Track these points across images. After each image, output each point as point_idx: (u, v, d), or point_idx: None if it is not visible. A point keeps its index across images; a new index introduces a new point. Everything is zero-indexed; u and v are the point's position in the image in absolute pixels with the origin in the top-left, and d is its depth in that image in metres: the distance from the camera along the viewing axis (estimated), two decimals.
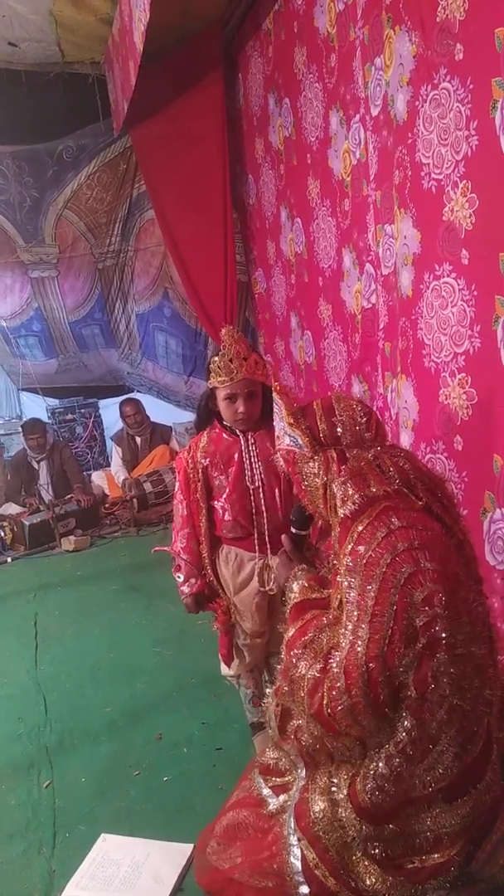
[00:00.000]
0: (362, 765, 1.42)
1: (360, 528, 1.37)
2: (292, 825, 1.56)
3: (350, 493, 1.41)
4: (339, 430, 1.51)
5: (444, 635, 1.28)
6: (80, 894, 1.94)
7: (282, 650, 1.57)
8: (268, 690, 1.64)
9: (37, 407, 5.93)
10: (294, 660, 1.47)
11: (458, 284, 2.12)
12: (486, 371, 2.03)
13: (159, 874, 1.98)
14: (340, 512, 1.42)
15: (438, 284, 2.23)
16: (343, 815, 1.44)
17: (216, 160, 4.48)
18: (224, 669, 2.46)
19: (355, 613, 1.33)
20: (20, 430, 5.51)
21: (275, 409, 1.63)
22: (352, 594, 1.35)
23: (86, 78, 5.07)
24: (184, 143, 4.57)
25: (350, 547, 1.38)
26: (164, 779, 2.40)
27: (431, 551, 1.33)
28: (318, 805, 1.50)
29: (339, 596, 1.44)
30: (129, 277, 5.78)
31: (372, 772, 1.39)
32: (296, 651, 1.47)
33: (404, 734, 1.34)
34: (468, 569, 1.45)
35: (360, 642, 1.31)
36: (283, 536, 1.77)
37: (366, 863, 1.46)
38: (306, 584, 1.63)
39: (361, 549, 1.35)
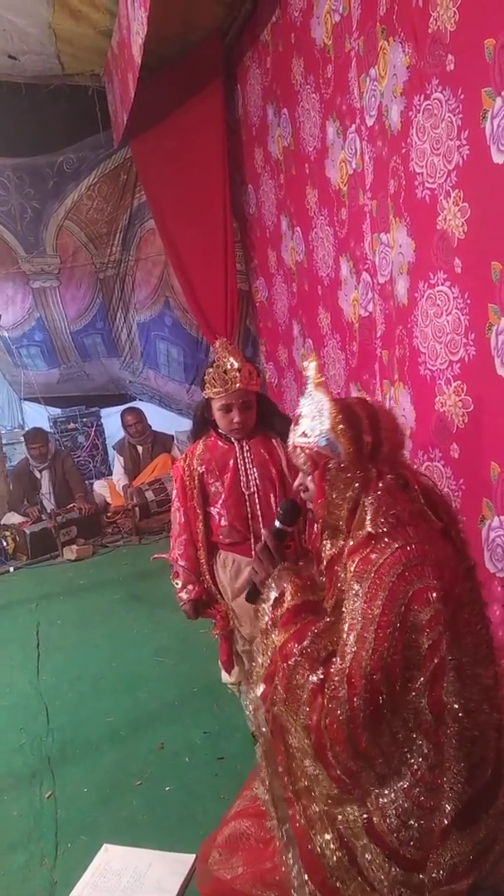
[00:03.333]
0: (371, 801, 1.37)
1: (379, 541, 1.35)
2: (305, 877, 1.48)
3: (381, 510, 1.37)
4: (384, 446, 1.43)
5: (451, 655, 1.27)
6: None
7: (262, 652, 1.52)
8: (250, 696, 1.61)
9: (39, 416, 5.96)
10: (292, 666, 1.43)
11: (452, 293, 2.13)
12: (480, 379, 2.04)
13: (161, 884, 1.98)
14: (368, 528, 1.37)
15: (433, 293, 2.24)
16: (368, 857, 1.38)
17: (216, 170, 4.51)
18: (225, 677, 2.47)
19: (360, 622, 1.31)
20: (22, 439, 5.53)
21: (306, 402, 1.52)
22: (357, 602, 1.33)
23: (85, 90, 5.11)
24: (183, 154, 4.60)
25: (363, 554, 1.36)
26: (166, 788, 2.40)
27: (442, 571, 1.32)
28: (334, 854, 1.44)
29: (333, 600, 1.43)
30: (130, 287, 5.81)
31: (394, 808, 1.34)
32: (294, 658, 1.43)
33: (420, 759, 1.31)
34: (473, 594, 1.43)
35: (364, 652, 1.29)
36: (264, 531, 1.69)
37: None
38: (300, 583, 1.55)
39: (374, 556, 1.34)
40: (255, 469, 2.24)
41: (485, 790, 1.39)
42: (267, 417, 2.29)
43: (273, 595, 1.56)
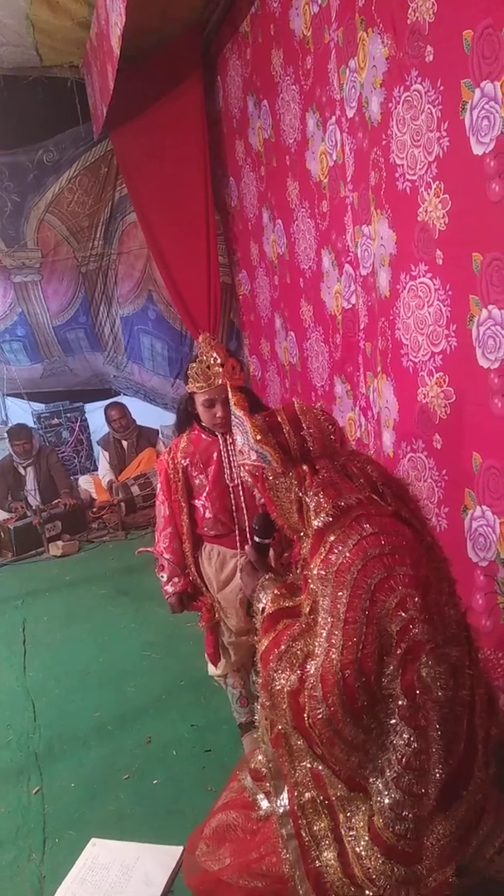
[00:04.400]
0: (372, 800, 1.37)
1: (333, 537, 1.37)
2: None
3: (323, 504, 1.41)
4: (308, 443, 1.49)
5: (424, 637, 1.28)
6: None
7: (257, 663, 1.56)
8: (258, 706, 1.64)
9: (22, 412, 5.92)
10: (271, 673, 1.45)
11: (434, 284, 2.14)
12: (462, 370, 2.05)
13: (149, 877, 1.99)
14: (315, 523, 1.41)
15: (415, 284, 2.25)
16: (369, 865, 1.38)
17: (197, 163, 4.48)
18: (211, 669, 2.48)
19: (329, 620, 1.33)
20: (6, 435, 5.49)
21: (234, 422, 1.62)
22: (325, 602, 1.34)
23: (64, 82, 5.05)
24: (164, 146, 4.57)
25: (322, 556, 1.37)
26: (154, 782, 2.41)
27: (402, 556, 1.33)
28: (337, 874, 1.45)
29: (310, 602, 1.44)
30: (112, 281, 5.78)
31: (387, 801, 1.34)
32: (271, 665, 1.46)
33: (405, 748, 1.31)
34: (439, 572, 1.45)
35: (334, 650, 1.30)
36: (245, 547, 1.77)
37: None
38: (277, 593, 1.61)
39: (333, 557, 1.35)
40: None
41: (460, 767, 1.41)
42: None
43: (261, 606, 1.62)
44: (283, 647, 1.46)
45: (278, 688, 1.42)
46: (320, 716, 1.33)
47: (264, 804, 1.80)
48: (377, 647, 1.29)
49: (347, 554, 1.33)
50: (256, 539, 1.73)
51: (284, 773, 1.57)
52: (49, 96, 5.04)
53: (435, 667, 1.29)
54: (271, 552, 2.16)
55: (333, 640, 1.31)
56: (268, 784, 1.75)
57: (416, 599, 1.29)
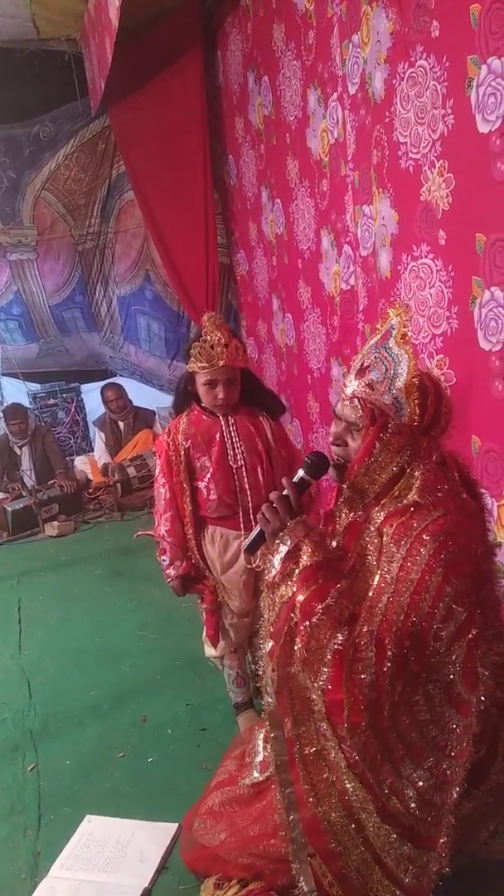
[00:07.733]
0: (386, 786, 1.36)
1: (420, 509, 1.35)
2: (304, 840, 1.48)
3: (430, 483, 1.37)
4: (440, 422, 1.44)
5: (487, 633, 1.29)
6: (64, 875, 1.96)
7: (269, 607, 1.48)
8: (254, 667, 1.59)
9: (18, 392, 5.87)
10: (315, 624, 1.36)
11: (436, 265, 2.12)
12: (463, 352, 2.04)
13: (144, 854, 2.00)
14: (416, 498, 1.37)
15: (416, 265, 2.23)
16: (376, 831, 1.38)
17: (196, 139, 4.42)
18: (208, 650, 2.48)
19: (393, 586, 1.29)
20: (1, 415, 5.46)
21: (380, 354, 1.45)
22: (393, 565, 1.31)
23: (62, 55, 4.95)
24: (163, 123, 4.51)
25: (403, 520, 1.35)
26: (149, 760, 2.42)
27: (476, 545, 1.33)
28: (340, 820, 1.44)
29: (353, 560, 1.42)
30: (109, 260, 5.71)
31: (414, 791, 1.33)
32: (317, 616, 1.36)
33: (453, 738, 1.32)
34: (492, 568, 1.45)
35: (395, 616, 1.28)
36: (283, 479, 1.56)
37: (386, 882, 1.41)
38: (318, 539, 1.47)
39: (414, 523, 1.33)
40: (241, 443, 2.24)
41: (479, 765, 1.40)
42: (252, 393, 2.29)
43: (285, 548, 1.47)
44: (330, 600, 1.36)
45: (321, 642, 1.34)
46: (364, 679, 1.28)
47: (255, 773, 1.80)
48: (434, 625, 1.27)
49: (430, 523, 1.31)
50: (302, 474, 1.55)
51: (285, 726, 1.54)
52: (46, 70, 4.93)
53: (487, 655, 1.29)
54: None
55: (397, 607, 1.28)
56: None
57: (483, 590, 1.30)
